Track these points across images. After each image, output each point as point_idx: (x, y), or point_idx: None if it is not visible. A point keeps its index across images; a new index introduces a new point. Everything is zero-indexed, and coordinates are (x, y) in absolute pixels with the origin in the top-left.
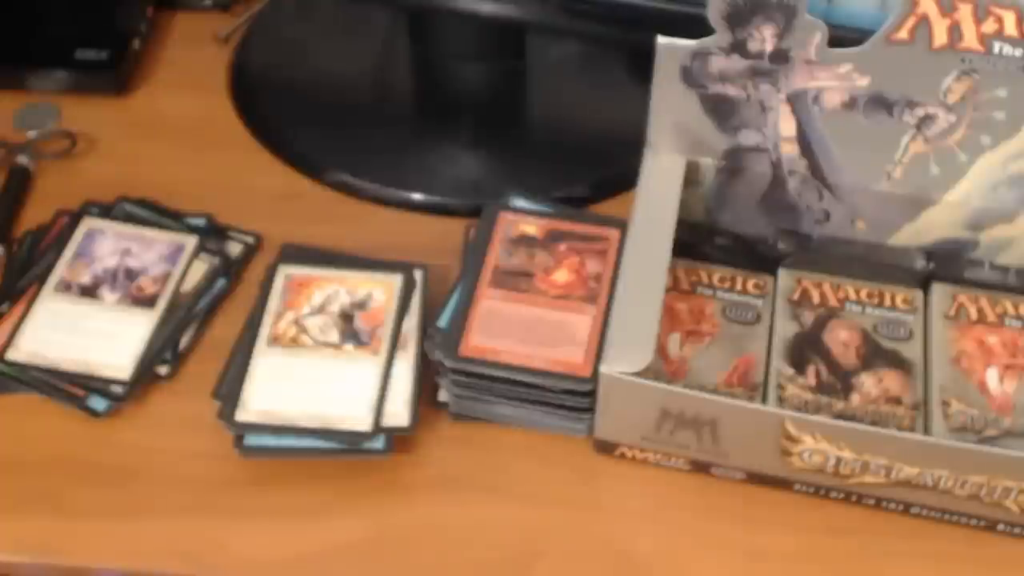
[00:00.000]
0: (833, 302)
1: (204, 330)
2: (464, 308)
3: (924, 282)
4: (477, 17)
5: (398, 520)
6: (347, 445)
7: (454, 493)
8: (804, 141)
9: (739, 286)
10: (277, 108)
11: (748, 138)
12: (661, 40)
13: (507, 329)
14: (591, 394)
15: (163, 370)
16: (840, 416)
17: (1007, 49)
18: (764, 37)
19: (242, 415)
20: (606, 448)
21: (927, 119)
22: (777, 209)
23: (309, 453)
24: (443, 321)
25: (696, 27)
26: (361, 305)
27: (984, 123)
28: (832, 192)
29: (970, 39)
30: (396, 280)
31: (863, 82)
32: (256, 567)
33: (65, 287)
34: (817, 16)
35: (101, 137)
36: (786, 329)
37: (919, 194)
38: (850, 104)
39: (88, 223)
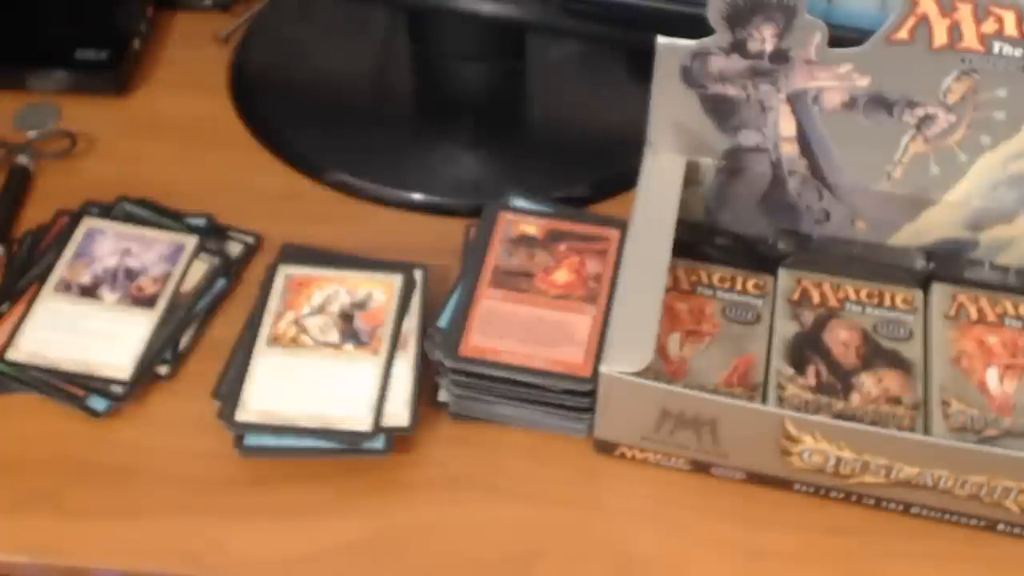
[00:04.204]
0: (833, 302)
1: (204, 330)
2: (464, 308)
3: (924, 282)
4: (477, 17)
5: (398, 520)
6: (347, 445)
7: (454, 493)
8: (804, 141)
9: (739, 286)
10: (277, 108)
11: (748, 138)
12: (661, 40)
13: (507, 329)
14: (591, 394)
15: (163, 370)
16: (840, 416)
17: (1007, 49)
18: (764, 37)
19: (242, 415)
20: (606, 448)
21: (927, 119)
22: (777, 209)
23: (309, 453)
24: (443, 321)
25: (696, 27)
26: (361, 305)
27: (984, 123)
28: (832, 192)
29: (970, 39)
30: (396, 280)
31: (863, 82)
32: (256, 567)
33: (65, 287)
34: (817, 16)
35: (101, 137)
36: (786, 329)
37: (919, 194)
38: (850, 104)
39: (88, 223)
